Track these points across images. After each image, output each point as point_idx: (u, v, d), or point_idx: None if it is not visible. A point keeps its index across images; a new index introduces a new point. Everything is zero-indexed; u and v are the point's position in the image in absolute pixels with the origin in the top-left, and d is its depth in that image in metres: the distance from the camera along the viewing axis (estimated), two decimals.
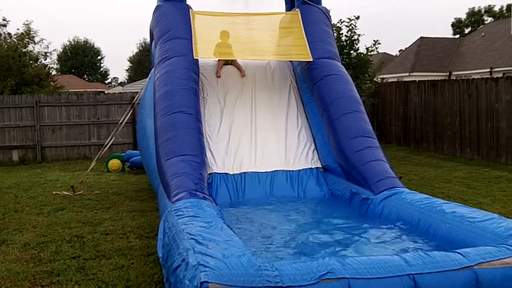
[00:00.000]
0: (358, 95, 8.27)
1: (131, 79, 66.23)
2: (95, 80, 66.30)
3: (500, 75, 25.84)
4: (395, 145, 18.57)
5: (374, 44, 17.06)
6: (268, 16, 9.51)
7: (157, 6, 9.24)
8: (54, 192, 10.69)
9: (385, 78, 20.72)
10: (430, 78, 19.54)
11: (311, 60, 8.45)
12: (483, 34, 39.13)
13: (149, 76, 9.84)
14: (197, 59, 8.43)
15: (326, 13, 9.40)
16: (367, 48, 17.06)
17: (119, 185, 11.61)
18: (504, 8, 59.16)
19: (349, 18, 16.64)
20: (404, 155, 15.87)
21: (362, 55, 16.73)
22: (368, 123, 7.85)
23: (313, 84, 8.46)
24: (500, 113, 13.71)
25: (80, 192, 10.56)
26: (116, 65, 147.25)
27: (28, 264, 6.16)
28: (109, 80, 75.69)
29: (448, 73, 36.43)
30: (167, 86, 7.84)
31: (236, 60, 9.18)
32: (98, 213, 8.74)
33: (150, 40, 10.40)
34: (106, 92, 24.32)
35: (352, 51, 16.72)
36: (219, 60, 9.10)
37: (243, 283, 3.44)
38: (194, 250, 3.84)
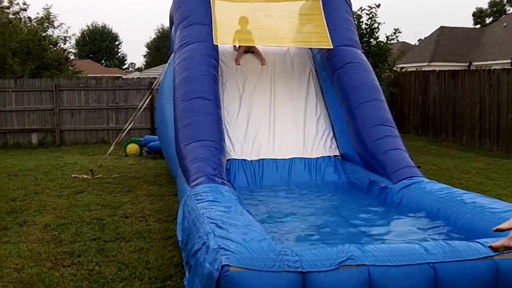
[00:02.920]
0: (378, 84, 8.22)
1: (149, 65, 66.32)
2: (112, 66, 66.51)
3: None
4: (413, 134, 18.48)
5: (395, 33, 16.89)
6: (289, 2, 9.44)
7: None
8: (73, 175, 10.80)
9: (404, 67, 20.53)
10: (449, 68, 19.38)
11: (332, 47, 8.39)
12: (505, 24, 38.60)
13: (168, 62, 9.85)
14: (217, 45, 8.43)
15: (347, 1, 9.33)
16: (387, 37, 16.92)
17: (137, 169, 11.69)
18: None
19: (369, 6, 16.50)
20: (422, 145, 15.81)
21: (382, 43, 16.59)
22: (388, 112, 7.80)
23: (333, 72, 8.41)
24: None
25: (98, 176, 10.65)
26: (134, 51, 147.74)
27: (49, 244, 6.25)
28: (126, 66, 76.00)
29: (468, 64, 36.06)
30: (187, 71, 7.85)
31: (256, 48, 9.15)
32: (117, 197, 8.82)
33: (170, 25, 10.40)
34: (124, 77, 24.39)
35: (372, 40, 16.59)
36: (239, 47, 9.09)
37: (263, 267, 3.45)
38: (215, 234, 3.86)
